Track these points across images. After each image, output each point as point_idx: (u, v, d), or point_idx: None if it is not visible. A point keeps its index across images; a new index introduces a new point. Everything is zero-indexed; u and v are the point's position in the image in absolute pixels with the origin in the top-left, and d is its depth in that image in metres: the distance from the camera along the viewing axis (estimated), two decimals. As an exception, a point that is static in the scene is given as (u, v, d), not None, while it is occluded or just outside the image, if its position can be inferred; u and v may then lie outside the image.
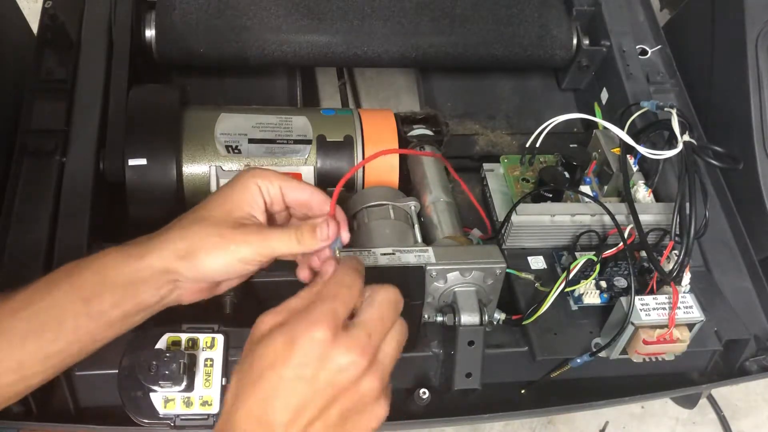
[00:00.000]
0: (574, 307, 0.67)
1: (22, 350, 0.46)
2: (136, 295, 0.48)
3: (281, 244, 0.50)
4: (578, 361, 0.63)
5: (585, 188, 0.73)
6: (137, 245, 0.49)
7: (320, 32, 0.83)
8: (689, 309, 0.61)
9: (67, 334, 0.47)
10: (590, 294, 0.66)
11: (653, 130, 0.71)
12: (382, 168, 0.69)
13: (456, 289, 0.59)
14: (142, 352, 0.51)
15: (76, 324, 0.47)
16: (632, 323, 0.60)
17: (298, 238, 0.50)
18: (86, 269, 0.48)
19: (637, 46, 0.87)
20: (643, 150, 0.67)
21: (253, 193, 0.52)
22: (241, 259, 0.49)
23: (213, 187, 0.67)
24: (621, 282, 0.67)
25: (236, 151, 0.67)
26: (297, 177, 0.65)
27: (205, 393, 0.53)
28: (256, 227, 0.51)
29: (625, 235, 0.65)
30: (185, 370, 0.51)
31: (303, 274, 0.54)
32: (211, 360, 0.54)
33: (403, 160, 0.73)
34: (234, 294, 0.60)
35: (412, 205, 0.66)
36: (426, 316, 0.60)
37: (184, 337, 0.54)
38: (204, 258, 0.48)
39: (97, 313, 0.47)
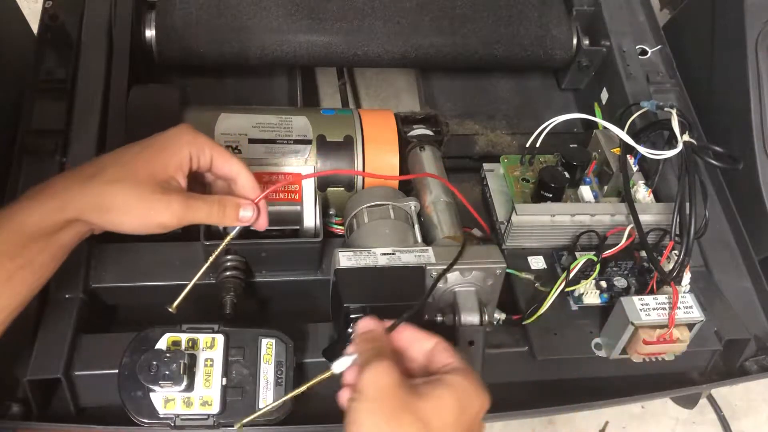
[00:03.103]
0: (574, 307, 0.67)
1: None
2: (58, 241, 0.49)
3: (203, 215, 0.53)
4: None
5: (585, 188, 0.73)
6: (53, 196, 0.49)
7: (320, 32, 0.83)
8: (689, 309, 0.61)
9: (4, 291, 0.47)
10: (590, 294, 0.66)
11: (653, 130, 0.71)
12: (382, 168, 0.69)
13: (456, 289, 0.59)
14: (142, 352, 0.51)
15: (10, 280, 0.47)
16: (632, 323, 0.60)
17: (221, 213, 0.53)
18: (2, 231, 0.48)
19: (637, 46, 0.87)
20: (643, 150, 0.67)
21: (182, 159, 0.52)
22: (159, 224, 0.51)
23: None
24: (621, 282, 0.67)
25: (236, 151, 0.67)
26: (297, 177, 0.65)
27: (205, 393, 0.53)
28: (179, 195, 0.51)
29: (625, 235, 0.65)
30: (185, 370, 0.51)
31: None
32: (211, 360, 0.54)
33: (404, 160, 0.72)
34: (234, 294, 0.60)
35: (412, 205, 0.66)
36: (426, 316, 0.60)
37: (184, 337, 0.54)
38: (120, 217, 0.50)
39: (27, 262, 0.48)
